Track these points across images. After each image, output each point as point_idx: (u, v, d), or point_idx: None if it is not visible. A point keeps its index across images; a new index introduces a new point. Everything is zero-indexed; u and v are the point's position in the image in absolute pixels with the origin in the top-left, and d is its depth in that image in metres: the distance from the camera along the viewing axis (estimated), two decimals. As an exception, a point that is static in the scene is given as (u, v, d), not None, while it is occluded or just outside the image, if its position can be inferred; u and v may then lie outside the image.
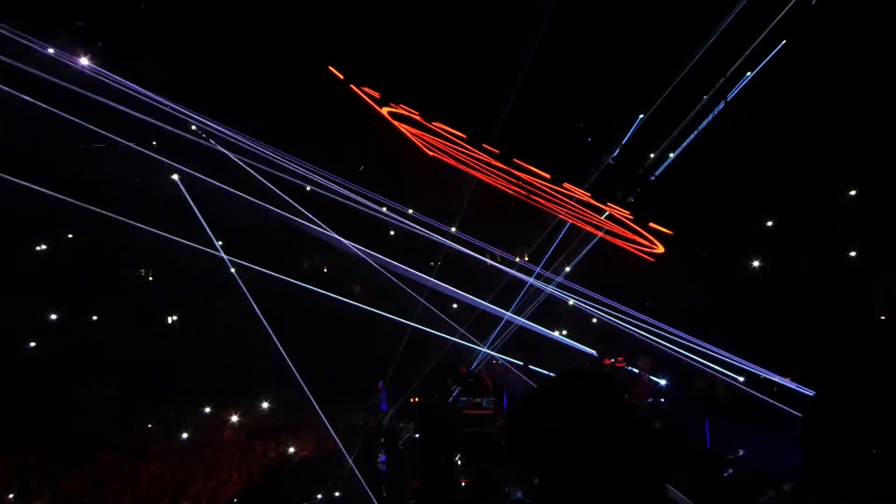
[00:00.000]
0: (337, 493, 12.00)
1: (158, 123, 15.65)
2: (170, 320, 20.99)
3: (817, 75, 18.00)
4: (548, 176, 15.84)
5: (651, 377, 14.72)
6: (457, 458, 12.00)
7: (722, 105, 19.98)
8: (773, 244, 20.43)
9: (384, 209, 18.19)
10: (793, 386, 14.89)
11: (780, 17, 18.59)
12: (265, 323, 16.27)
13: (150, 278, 21.86)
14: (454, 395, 12.40)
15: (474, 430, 11.97)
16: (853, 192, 19.31)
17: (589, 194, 15.59)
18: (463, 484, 11.53)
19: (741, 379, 15.79)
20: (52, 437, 15.27)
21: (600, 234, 16.20)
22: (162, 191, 17.07)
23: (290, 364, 18.88)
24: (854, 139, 17.90)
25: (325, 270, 24.58)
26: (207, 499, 12.36)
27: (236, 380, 17.97)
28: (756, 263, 20.16)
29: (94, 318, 19.91)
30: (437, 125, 16.33)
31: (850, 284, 17.11)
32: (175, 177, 16.75)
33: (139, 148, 15.71)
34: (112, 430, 15.64)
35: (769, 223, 20.56)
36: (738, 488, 10.65)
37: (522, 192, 16.72)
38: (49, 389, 17.04)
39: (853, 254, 18.94)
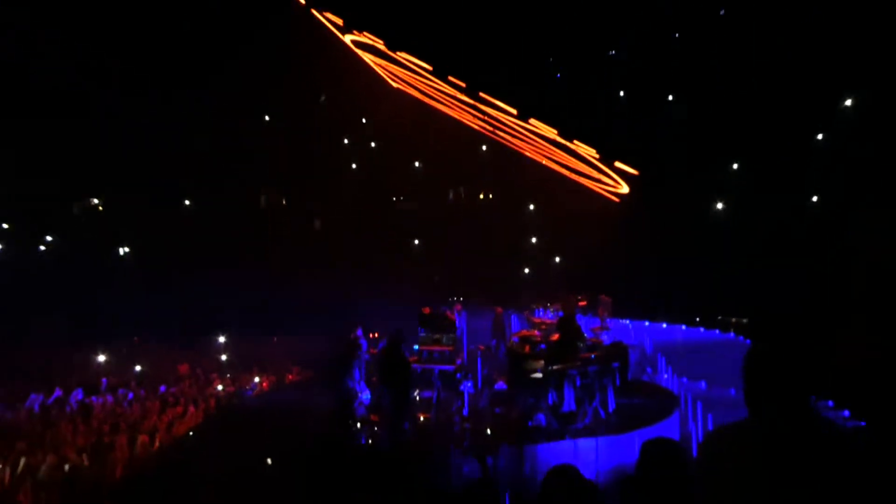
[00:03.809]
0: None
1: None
2: (122, 252, 20.42)
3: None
4: (514, 112, 15.36)
5: (608, 318, 14.83)
6: (415, 395, 11.97)
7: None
8: (737, 187, 20.42)
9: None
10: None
11: None
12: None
13: (101, 208, 21.13)
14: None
15: (434, 367, 11.92)
16: (820, 137, 19.28)
17: (556, 131, 15.19)
18: (421, 418, 11.54)
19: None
20: (1, 370, 14.85)
21: (566, 171, 15.92)
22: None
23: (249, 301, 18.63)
24: (823, 84, 17.76)
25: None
26: (162, 433, 12.13)
27: (196, 315, 17.64)
28: (720, 206, 20.17)
29: (42, 248, 19.25)
30: (401, 55, 15.61)
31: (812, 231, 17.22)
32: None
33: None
34: (62, 364, 15.28)
35: (734, 166, 20.50)
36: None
37: (488, 127, 16.26)
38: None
39: (815, 199, 19.03)
